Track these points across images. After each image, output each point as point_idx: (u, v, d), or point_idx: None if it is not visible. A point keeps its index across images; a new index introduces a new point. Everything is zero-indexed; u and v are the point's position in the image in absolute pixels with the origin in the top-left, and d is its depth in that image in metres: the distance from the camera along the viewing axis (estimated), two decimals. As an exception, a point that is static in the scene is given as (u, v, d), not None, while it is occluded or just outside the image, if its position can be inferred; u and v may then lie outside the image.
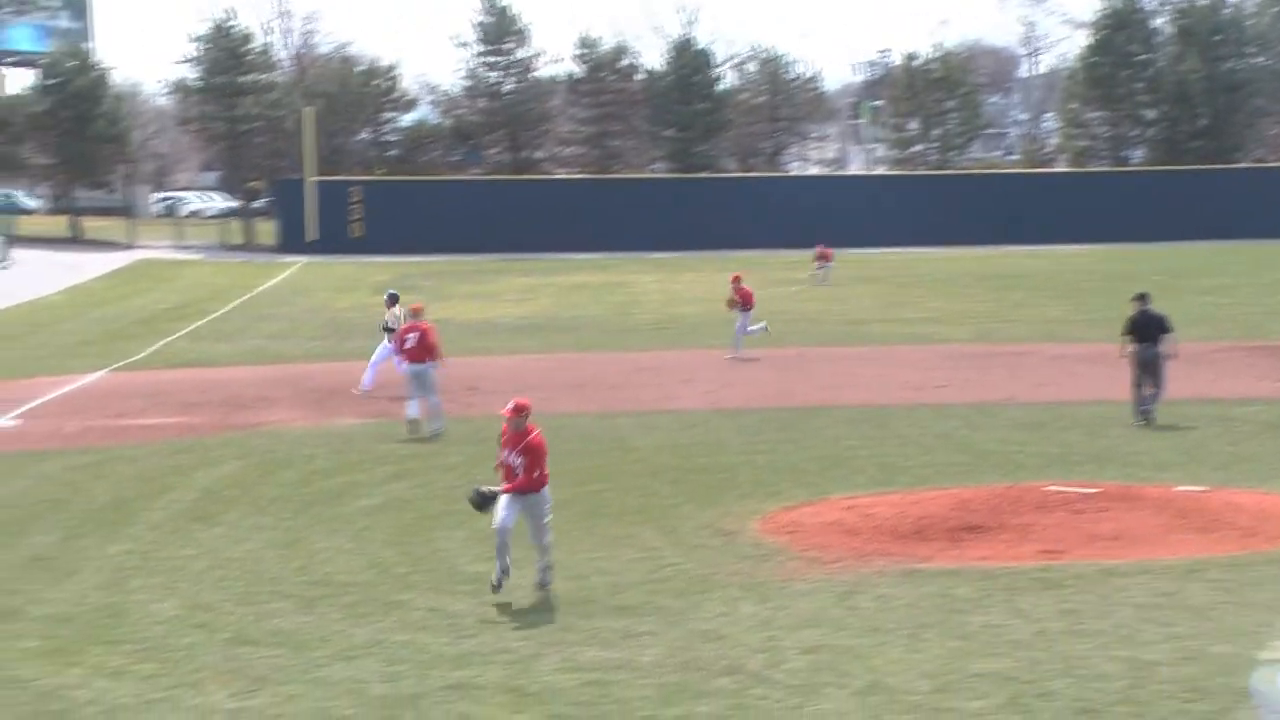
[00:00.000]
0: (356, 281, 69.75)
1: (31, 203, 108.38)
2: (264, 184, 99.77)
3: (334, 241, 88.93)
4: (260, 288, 69.93)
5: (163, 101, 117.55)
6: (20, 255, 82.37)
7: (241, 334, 50.01)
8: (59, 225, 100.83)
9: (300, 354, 43.25)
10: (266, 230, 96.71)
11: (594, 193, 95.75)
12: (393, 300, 34.52)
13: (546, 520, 17.65)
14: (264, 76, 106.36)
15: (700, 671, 14.69)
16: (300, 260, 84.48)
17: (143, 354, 43.88)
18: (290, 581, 18.49)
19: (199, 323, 54.08)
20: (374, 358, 34.24)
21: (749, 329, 41.21)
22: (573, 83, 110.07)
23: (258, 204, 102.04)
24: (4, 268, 78.26)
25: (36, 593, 18.25)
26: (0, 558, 20.10)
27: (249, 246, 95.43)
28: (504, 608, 16.96)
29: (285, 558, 19.72)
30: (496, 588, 17.24)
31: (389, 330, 33.52)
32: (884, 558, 19.03)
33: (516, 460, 17.45)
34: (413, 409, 29.00)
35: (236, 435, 29.71)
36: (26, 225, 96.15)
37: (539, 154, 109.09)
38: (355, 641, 15.88)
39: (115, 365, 41.10)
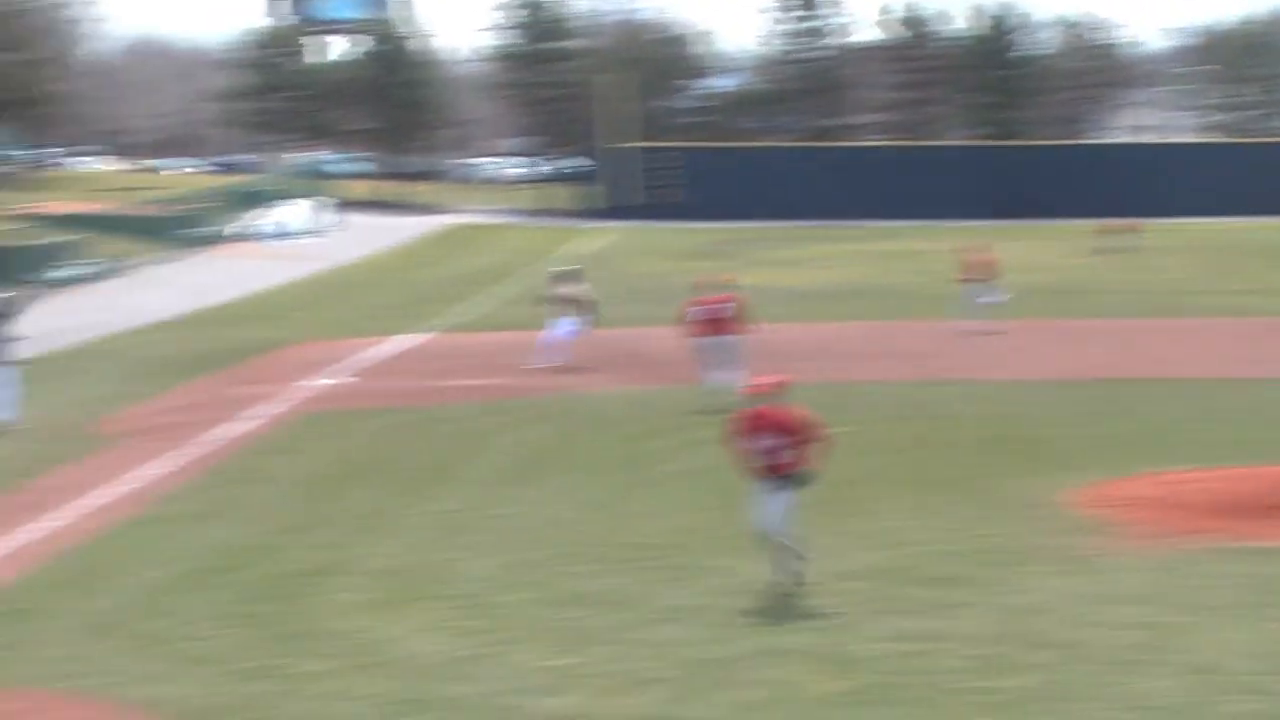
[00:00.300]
0: (667, 247, 70.23)
1: (347, 166, 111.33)
2: (575, 149, 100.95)
3: (646, 206, 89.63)
4: (571, 252, 70.72)
5: (475, 68, 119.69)
6: (345, 219, 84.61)
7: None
8: (381, 189, 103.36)
9: (610, 318, 43.60)
10: (577, 195, 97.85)
11: (904, 159, 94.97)
12: (567, 277, 34.50)
13: (789, 512, 15.98)
14: (574, 43, 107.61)
15: (1018, 644, 14.50)
16: (612, 225, 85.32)
17: (461, 316, 44.82)
18: (605, 543, 18.70)
19: (512, 286, 54.97)
20: (553, 329, 34.10)
21: (984, 299, 39.86)
22: (883, 49, 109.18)
23: (568, 169, 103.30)
24: (333, 231, 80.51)
25: (363, 548, 18.79)
26: (329, 512, 20.75)
27: (559, 212, 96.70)
28: (819, 574, 16.92)
29: (600, 519, 19.97)
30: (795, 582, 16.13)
31: (552, 302, 34.09)
32: (1206, 534, 18.56)
33: (773, 442, 15.82)
34: (714, 378, 28.56)
35: (550, 398, 30.15)
36: (348, 189, 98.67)
37: (848, 120, 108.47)
38: (669, 604, 16.00)
39: (436, 326, 42.05)
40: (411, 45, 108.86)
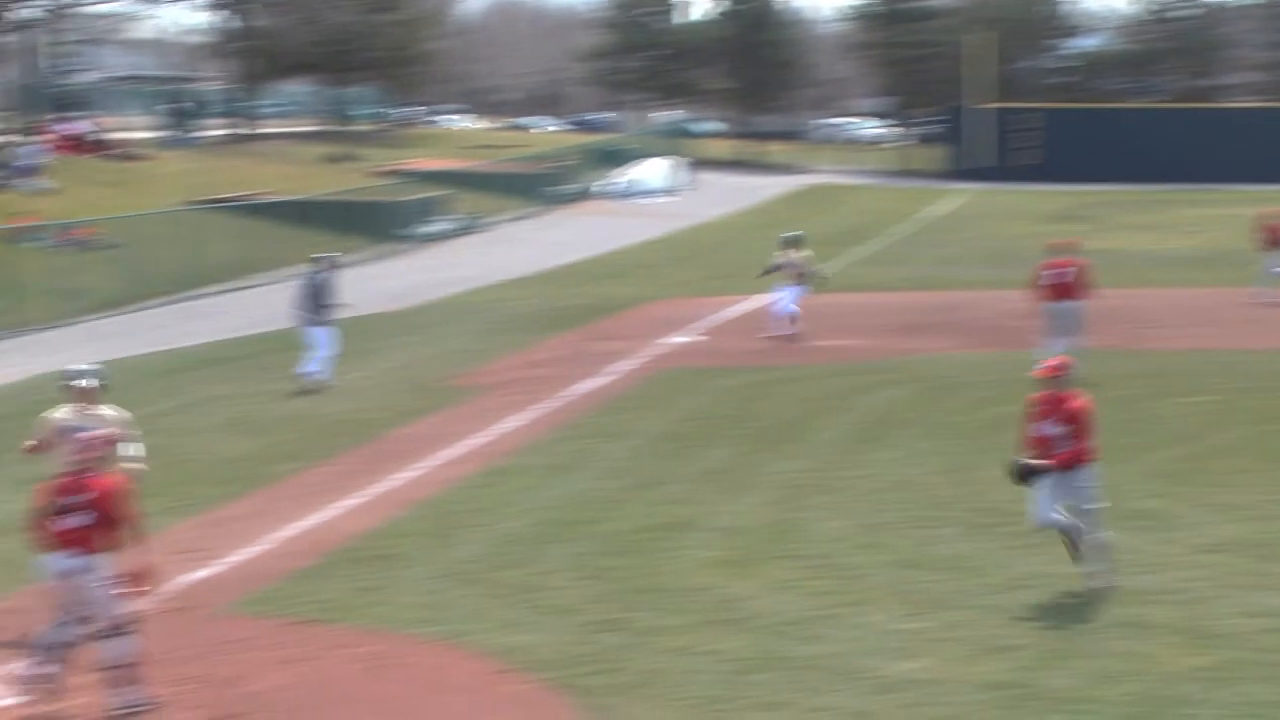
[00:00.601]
0: (1025, 209, 69.08)
1: (706, 126, 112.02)
2: (934, 110, 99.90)
3: (1005, 168, 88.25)
4: (928, 214, 70.12)
5: (835, 28, 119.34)
6: (701, 178, 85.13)
7: (910, 259, 50.33)
8: (737, 148, 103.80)
9: (967, 281, 43.15)
10: (935, 156, 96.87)
11: (1277, 121, 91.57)
12: (792, 242, 33.61)
13: (1092, 507, 15.06)
14: (935, 2, 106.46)
15: (1395, 626, 13.89)
16: (969, 187, 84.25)
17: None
18: (958, 507, 18.46)
19: (868, 247, 54.68)
20: (778, 298, 33.01)
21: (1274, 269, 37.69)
22: (1260, 7, 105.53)
23: (926, 130, 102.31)
24: (689, 190, 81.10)
25: (713, 505, 18.89)
26: (680, 469, 20.91)
27: (917, 173, 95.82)
28: (1183, 546, 16.44)
29: (953, 483, 19.71)
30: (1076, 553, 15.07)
31: (774, 269, 33.05)
32: None
33: (1054, 430, 14.96)
34: (1053, 345, 27.46)
35: (905, 360, 29.89)
36: (705, 149, 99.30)
37: (1219, 81, 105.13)
38: (1023, 571, 15.70)
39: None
40: (773, 4, 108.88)
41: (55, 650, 12.74)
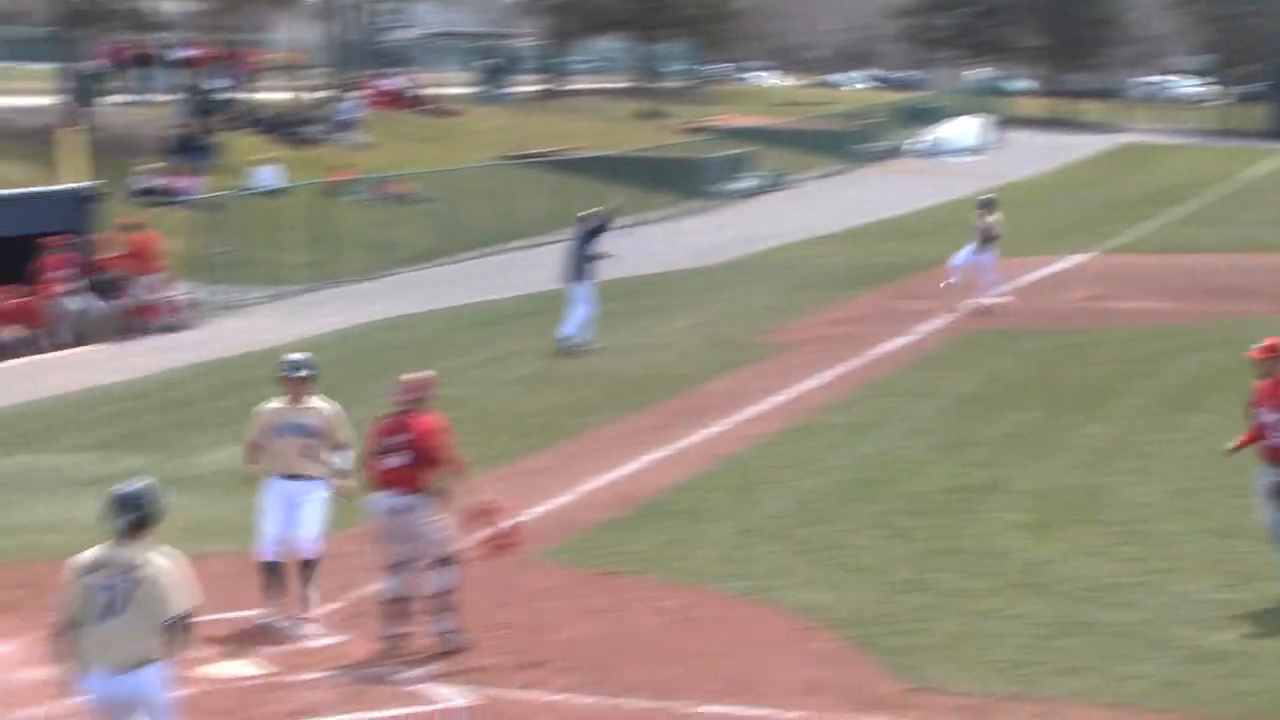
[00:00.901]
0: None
1: (1017, 84, 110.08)
2: (1256, 68, 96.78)
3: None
4: (1249, 174, 68.05)
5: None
6: (1010, 137, 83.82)
7: (1227, 221, 48.88)
8: (1049, 107, 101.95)
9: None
10: (1257, 115, 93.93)
11: None
12: (985, 205, 32.38)
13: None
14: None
15: None
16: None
17: (1128, 237, 43.79)
18: (1271, 477, 17.91)
19: (1186, 208, 53.29)
20: (959, 258, 31.76)
21: None
22: None
23: (1248, 88, 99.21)
24: (997, 149, 79.92)
25: (1017, 468, 18.67)
26: (984, 432, 20.68)
27: (1237, 132, 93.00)
28: None
29: (1266, 452, 19.12)
30: None
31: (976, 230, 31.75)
32: None
33: (1271, 417, 13.85)
34: None
35: (1221, 323, 29.09)
36: (1016, 107, 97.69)
37: None
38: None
39: (1101, 247, 41.20)
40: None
41: (399, 605, 13.08)
